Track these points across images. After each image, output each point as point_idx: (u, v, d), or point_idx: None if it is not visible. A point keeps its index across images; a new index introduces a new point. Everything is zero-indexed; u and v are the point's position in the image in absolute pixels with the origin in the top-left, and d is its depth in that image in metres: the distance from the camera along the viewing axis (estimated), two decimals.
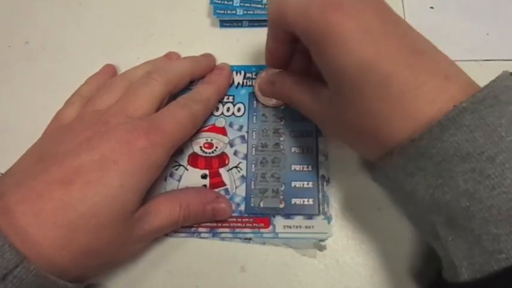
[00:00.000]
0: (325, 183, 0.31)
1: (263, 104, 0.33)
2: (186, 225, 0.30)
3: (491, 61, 0.34)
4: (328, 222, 0.30)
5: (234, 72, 0.34)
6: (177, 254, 0.30)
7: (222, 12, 0.36)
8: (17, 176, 0.25)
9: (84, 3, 0.39)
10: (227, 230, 0.30)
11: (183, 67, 0.32)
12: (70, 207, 0.23)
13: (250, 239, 0.30)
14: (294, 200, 0.30)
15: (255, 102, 0.33)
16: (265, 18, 0.36)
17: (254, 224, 0.30)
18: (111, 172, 0.25)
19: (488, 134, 0.20)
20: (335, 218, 0.30)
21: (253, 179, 0.31)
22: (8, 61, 0.37)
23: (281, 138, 0.32)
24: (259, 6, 0.36)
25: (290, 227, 0.30)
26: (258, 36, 0.36)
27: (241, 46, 0.36)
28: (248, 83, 0.34)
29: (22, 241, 0.22)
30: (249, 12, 0.36)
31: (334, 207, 0.31)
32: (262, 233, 0.30)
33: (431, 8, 0.37)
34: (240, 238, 0.30)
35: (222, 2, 0.36)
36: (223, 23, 0.37)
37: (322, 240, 0.29)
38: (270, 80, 0.31)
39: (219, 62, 0.35)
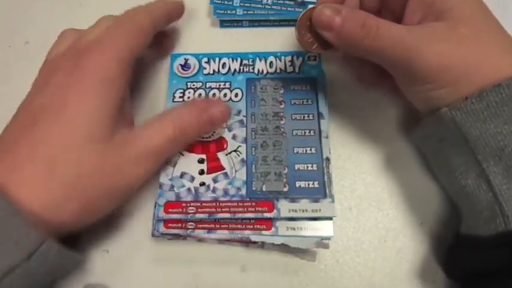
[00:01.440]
0: (330, 165, 0.30)
1: (305, 49, 0.29)
2: (182, 206, 0.29)
3: None
4: (333, 201, 0.29)
5: (230, 59, 0.34)
6: (176, 254, 0.30)
7: (222, 12, 0.36)
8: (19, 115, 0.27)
9: (84, 3, 0.39)
10: (228, 215, 0.28)
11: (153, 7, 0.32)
12: (40, 145, 0.24)
13: (249, 242, 0.29)
14: (298, 183, 0.29)
15: (253, 87, 0.33)
16: (265, 18, 0.36)
17: (257, 208, 0.29)
18: (67, 103, 0.25)
19: None
20: (335, 218, 0.30)
21: (254, 162, 0.30)
22: (8, 61, 0.37)
23: (281, 122, 0.31)
24: (259, 6, 0.36)
25: (296, 211, 0.28)
26: (258, 36, 0.36)
27: (241, 46, 0.36)
28: (245, 70, 0.34)
29: (17, 173, 0.23)
30: (249, 12, 0.36)
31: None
32: (262, 230, 0.28)
33: None
34: (238, 241, 0.29)
35: (222, 2, 0.36)
36: (223, 23, 0.37)
37: (326, 239, 0.28)
38: (335, 8, 0.26)
39: None
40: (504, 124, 0.23)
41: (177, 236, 0.29)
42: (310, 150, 0.30)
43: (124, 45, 0.28)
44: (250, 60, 0.34)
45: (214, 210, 0.29)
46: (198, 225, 0.29)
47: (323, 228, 0.28)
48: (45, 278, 0.24)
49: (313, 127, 0.31)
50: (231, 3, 0.36)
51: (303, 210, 0.28)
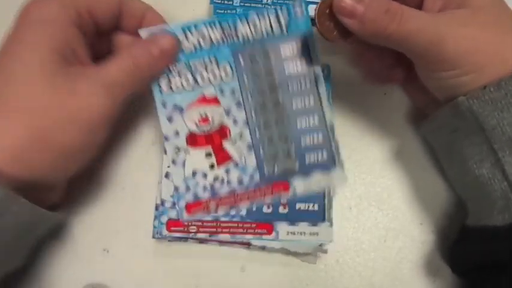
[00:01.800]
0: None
1: (324, 37, 0.27)
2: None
3: None
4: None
5: (209, 27, 0.29)
6: (177, 254, 0.30)
7: (222, 12, 0.36)
8: None
9: None
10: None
11: None
12: None
13: (249, 244, 0.29)
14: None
15: (241, 60, 0.29)
16: None
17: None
18: (13, 46, 0.25)
19: None
20: (335, 218, 0.30)
21: (261, 145, 0.29)
22: None
23: (279, 94, 0.29)
24: (259, 6, 0.36)
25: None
26: None
27: None
28: (228, 40, 0.29)
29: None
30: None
31: (334, 207, 0.31)
32: (263, 235, 0.29)
33: None
34: (238, 243, 0.29)
35: (222, 2, 0.36)
36: None
37: (324, 244, 0.29)
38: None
39: None
40: None
41: (178, 238, 0.29)
42: (313, 119, 0.29)
43: None
44: (231, 25, 0.29)
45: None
46: (200, 229, 0.29)
47: (323, 234, 0.29)
48: (17, 235, 0.24)
49: (312, 93, 0.29)
50: (231, 3, 0.36)
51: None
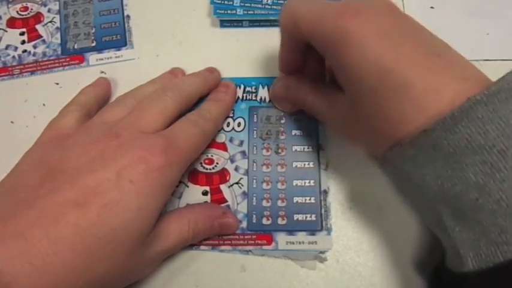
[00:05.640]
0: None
1: (279, 109, 0.33)
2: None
3: (491, 61, 0.34)
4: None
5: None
6: (177, 253, 0.30)
7: (222, 12, 0.36)
8: (21, 193, 0.24)
9: None
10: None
11: (195, 86, 0.32)
12: (87, 232, 0.22)
13: (250, 250, 0.30)
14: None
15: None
16: (265, 18, 0.36)
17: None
18: (128, 194, 0.23)
19: (501, 127, 0.20)
20: (335, 218, 0.30)
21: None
22: None
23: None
24: (260, 6, 0.36)
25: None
26: (259, 36, 0.36)
27: (241, 46, 0.36)
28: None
29: (38, 272, 0.21)
30: (249, 12, 0.36)
31: (334, 207, 0.31)
32: (263, 246, 0.30)
33: (432, 8, 0.37)
34: (239, 250, 0.30)
35: (222, 2, 0.36)
36: (224, 23, 0.37)
37: (323, 252, 0.29)
38: (285, 85, 0.31)
39: (219, 63, 0.35)
40: (442, 168, 0.21)
41: None
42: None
43: (190, 155, 0.29)
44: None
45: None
46: (202, 241, 0.30)
47: (321, 242, 0.29)
48: None
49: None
50: (231, 3, 0.36)
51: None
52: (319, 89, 0.29)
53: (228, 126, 0.33)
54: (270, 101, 0.33)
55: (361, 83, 0.23)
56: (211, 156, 0.32)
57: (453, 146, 0.21)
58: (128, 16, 0.38)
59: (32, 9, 0.38)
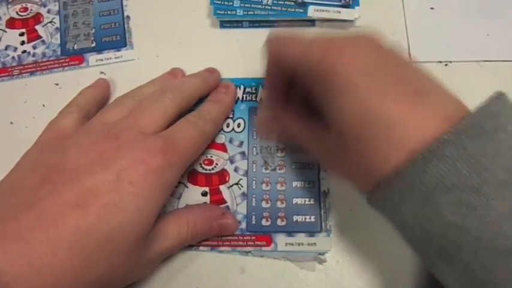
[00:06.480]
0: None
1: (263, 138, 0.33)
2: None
3: (491, 62, 0.34)
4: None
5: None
6: (176, 254, 0.30)
7: (222, 12, 0.36)
8: (21, 194, 0.24)
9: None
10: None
11: (195, 87, 0.32)
12: (86, 233, 0.22)
13: (249, 251, 0.30)
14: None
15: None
16: (265, 19, 0.36)
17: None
18: (128, 195, 0.23)
19: (472, 165, 0.19)
20: (335, 219, 0.30)
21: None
22: None
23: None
24: (260, 6, 0.36)
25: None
26: (259, 37, 0.36)
27: (241, 46, 0.36)
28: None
29: (37, 272, 0.21)
30: (249, 12, 0.36)
31: (334, 208, 0.31)
32: (262, 247, 0.30)
33: (432, 8, 0.37)
34: (238, 251, 0.30)
35: (222, 3, 0.36)
36: (224, 24, 0.37)
37: (322, 254, 0.29)
38: (270, 117, 0.31)
39: (219, 63, 0.35)
40: (418, 208, 0.21)
41: None
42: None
43: (190, 156, 0.29)
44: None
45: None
46: (202, 242, 0.30)
47: (320, 244, 0.29)
48: None
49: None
50: (231, 3, 0.36)
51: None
52: (305, 122, 0.28)
53: (227, 127, 0.33)
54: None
55: (346, 123, 0.23)
56: (211, 157, 0.32)
57: (426, 186, 0.20)
58: (128, 17, 0.38)
59: (31, 9, 0.38)
